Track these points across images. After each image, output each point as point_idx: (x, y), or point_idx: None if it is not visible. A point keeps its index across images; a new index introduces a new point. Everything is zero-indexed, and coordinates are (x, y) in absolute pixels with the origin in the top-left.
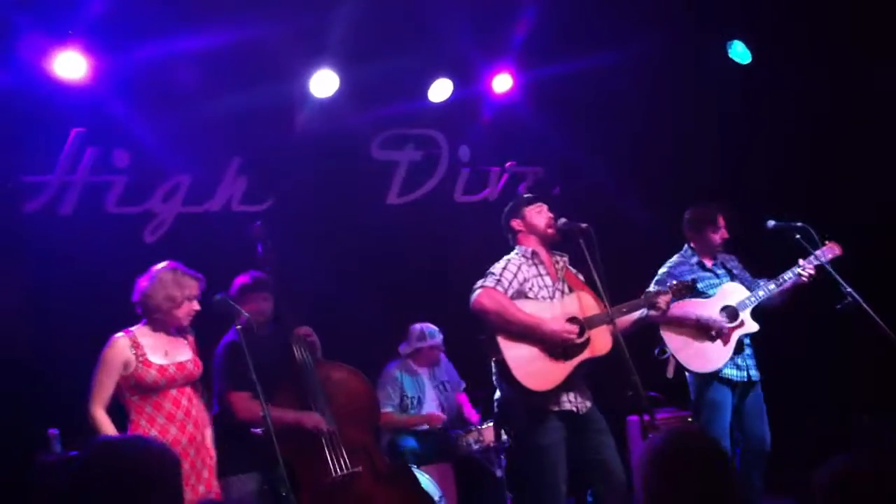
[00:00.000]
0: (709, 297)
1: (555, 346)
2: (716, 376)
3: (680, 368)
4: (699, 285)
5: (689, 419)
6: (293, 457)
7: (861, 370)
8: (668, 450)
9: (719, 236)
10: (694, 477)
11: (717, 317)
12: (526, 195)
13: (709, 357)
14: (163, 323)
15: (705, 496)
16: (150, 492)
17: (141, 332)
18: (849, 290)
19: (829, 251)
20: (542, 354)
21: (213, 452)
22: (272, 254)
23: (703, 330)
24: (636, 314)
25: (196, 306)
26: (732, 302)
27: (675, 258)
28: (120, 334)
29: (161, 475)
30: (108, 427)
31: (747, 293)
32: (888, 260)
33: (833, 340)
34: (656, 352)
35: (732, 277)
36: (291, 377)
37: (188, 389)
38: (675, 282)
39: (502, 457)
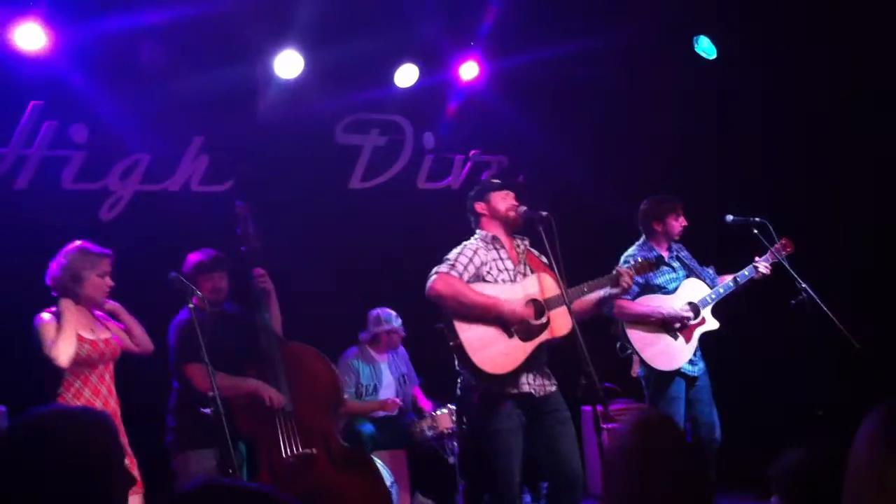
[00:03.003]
0: (670, 292)
1: (513, 328)
2: (676, 372)
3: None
4: (658, 280)
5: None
6: (254, 433)
7: (817, 366)
8: (642, 444)
9: (679, 224)
10: (671, 470)
11: (683, 311)
12: (493, 180)
13: (672, 354)
14: (83, 301)
15: (680, 487)
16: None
17: None
18: (804, 285)
19: (782, 248)
20: (499, 337)
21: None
22: (254, 234)
23: (667, 327)
24: (600, 292)
25: (109, 282)
26: (695, 299)
27: (632, 249)
28: (45, 314)
29: (109, 448)
30: None
31: (707, 290)
32: (857, 258)
33: (789, 337)
34: (618, 348)
35: (686, 269)
36: (255, 356)
37: (110, 366)
38: (639, 259)
39: (455, 443)
